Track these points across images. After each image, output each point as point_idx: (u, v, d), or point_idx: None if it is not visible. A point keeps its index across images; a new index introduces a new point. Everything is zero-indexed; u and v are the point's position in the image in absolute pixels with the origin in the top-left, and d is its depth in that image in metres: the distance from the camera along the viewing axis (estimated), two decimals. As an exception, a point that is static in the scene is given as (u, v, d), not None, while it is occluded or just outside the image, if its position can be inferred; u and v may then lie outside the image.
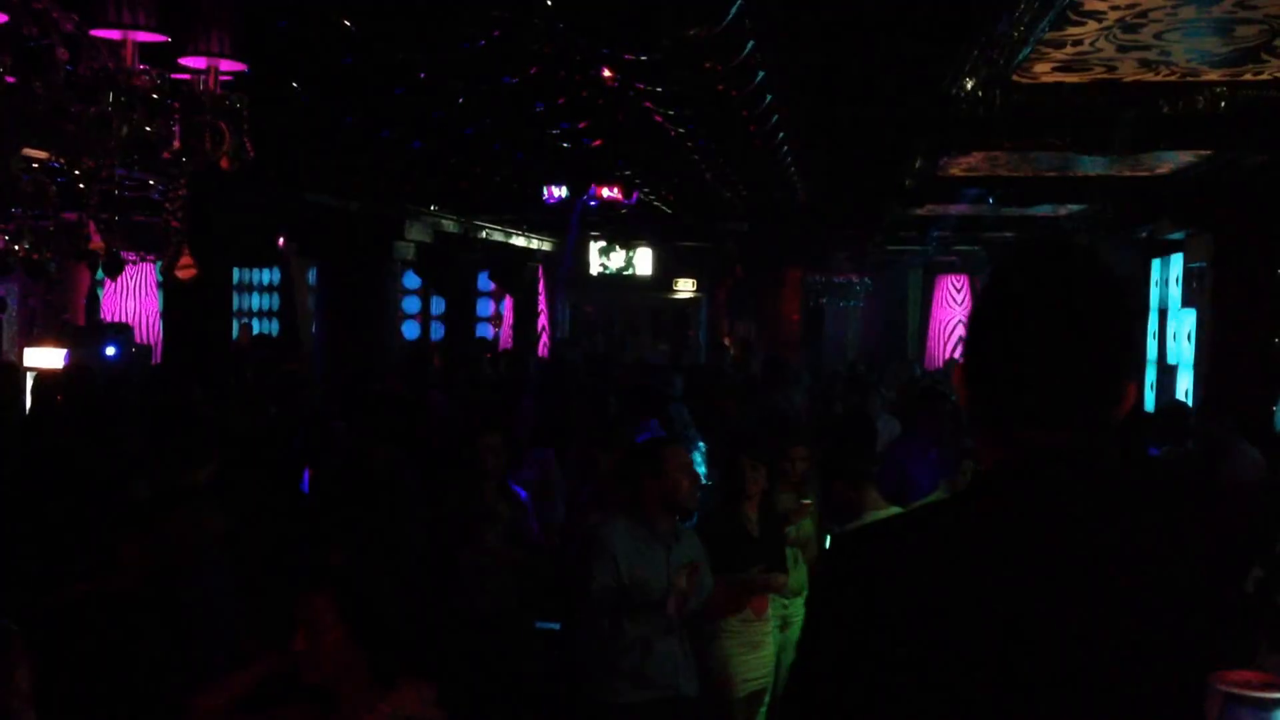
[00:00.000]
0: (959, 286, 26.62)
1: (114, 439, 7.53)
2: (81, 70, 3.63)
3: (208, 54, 3.90)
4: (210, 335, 11.97)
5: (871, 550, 1.89)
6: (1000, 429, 1.89)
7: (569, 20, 6.26)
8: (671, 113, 8.61)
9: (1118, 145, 8.52)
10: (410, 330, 24.51)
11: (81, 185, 3.97)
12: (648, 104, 8.30)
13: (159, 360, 16.70)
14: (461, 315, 22.51)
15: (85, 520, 5.90)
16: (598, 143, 10.48)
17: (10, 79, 3.45)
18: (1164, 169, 10.71)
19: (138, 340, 20.29)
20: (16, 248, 3.84)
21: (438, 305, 24.57)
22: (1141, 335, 15.91)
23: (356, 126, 9.73)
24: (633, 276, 26.35)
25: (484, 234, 20.50)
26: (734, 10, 5.80)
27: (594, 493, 7.60)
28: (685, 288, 26.83)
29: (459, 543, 7.20)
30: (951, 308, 26.69)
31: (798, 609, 6.47)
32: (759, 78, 7.31)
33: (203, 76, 3.93)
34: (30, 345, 16.52)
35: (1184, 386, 13.58)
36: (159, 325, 17.59)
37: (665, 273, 26.34)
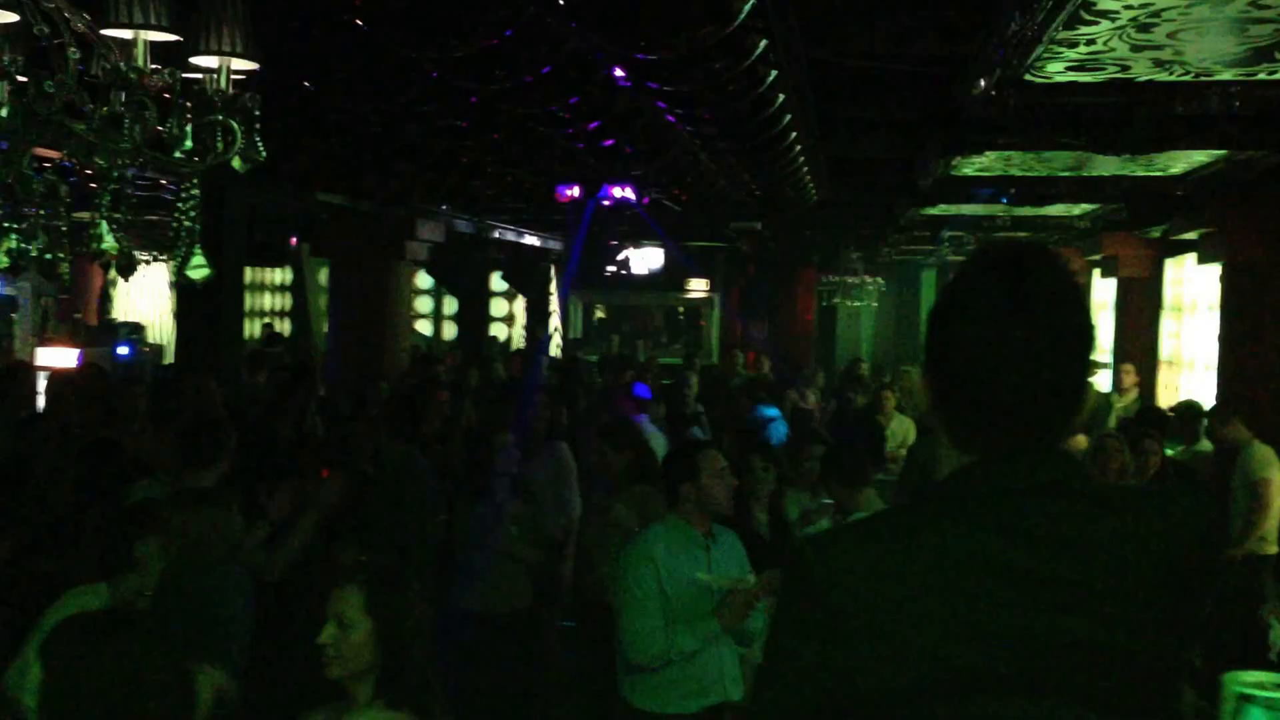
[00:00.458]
0: (972, 286, 26.50)
1: (123, 438, 7.55)
2: (93, 70, 3.63)
3: (219, 53, 3.90)
4: (223, 335, 11.97)
5: (829, 557, 1.84)
6: (965, 434, 1.88)
7: (582, 19, 6.25)
8: (682, 112, 8.60)
9: (1131, 145, 8.50)
10: (423, 330, 24.53)
11: (94, 185, 3.98)
12: (660, 103, 8.29)
13: (171, 360, 16.73)
14: (474, 315, 22.53)
15: (96, 520, 5.92)
16: (609, 142, 10.47)
17: (21, 78, 3.45)
18: (1177, 169, 10.67)
19: (150, 340, 20.35)
20: (30, 248, 3.84)
21: (450, 305, 24.63)
22: (1156, 333, 15.89)
23: (368, 125, 9.73)
24: (644, 276, 26.31)
25: (497, 234, 20.48)
26: (746, 9, 5.79)
27: (607, 490, 7.61)
28: (697, 288, 26.79)
29: (473, 543, 7.22)
30: (964, 308, 26.57)
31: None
32: (771, 77, 7.30)
33: (214, 75, 3.93)
34: (43, 345, 16.59)
35: (1198, 386, 13.56)
36: (172, 325, 17.61)
37: (677, 273, 26.31)
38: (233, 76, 3.97)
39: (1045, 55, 6.29)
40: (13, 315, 17.72)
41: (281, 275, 23.74)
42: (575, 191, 14.47)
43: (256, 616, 5.07)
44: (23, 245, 3.77)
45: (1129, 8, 5.43)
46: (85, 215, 4.16)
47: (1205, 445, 10.22)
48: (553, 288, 24.81)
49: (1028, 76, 6.73)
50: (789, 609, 1.87)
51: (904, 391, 14.24)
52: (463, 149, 10.97)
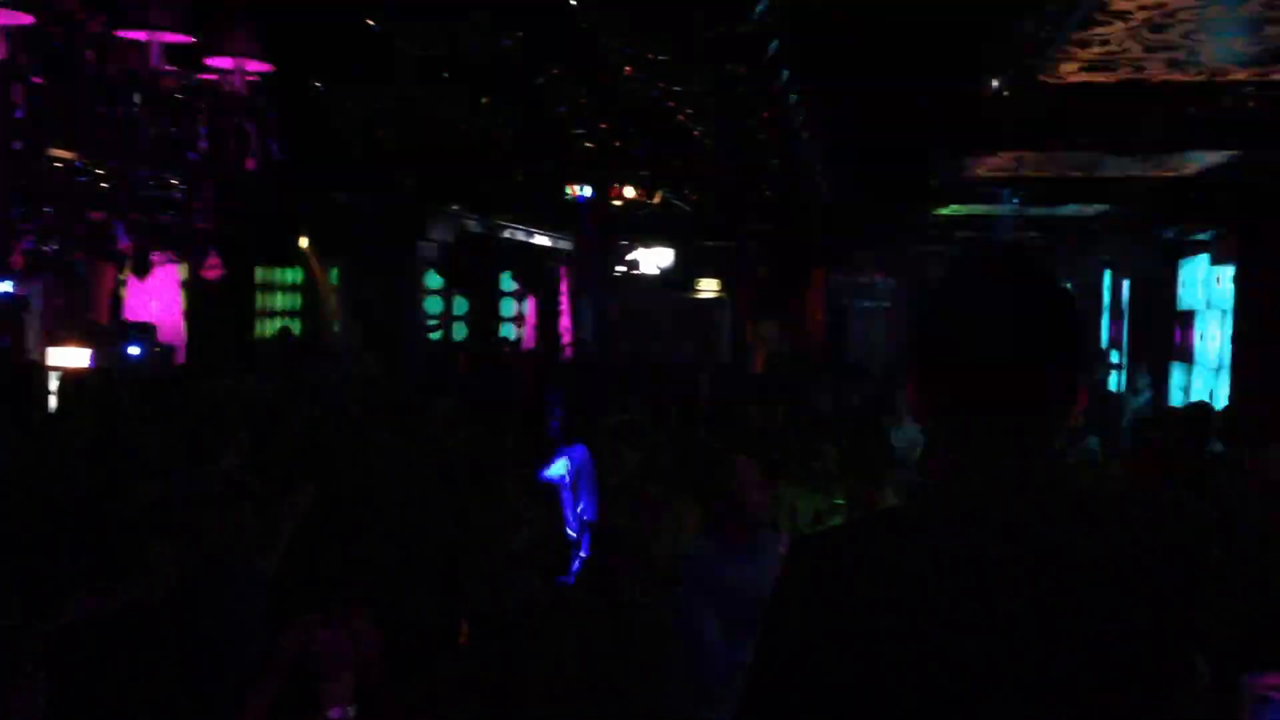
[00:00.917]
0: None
1: (133, 438, 7.55)
2: (108, 71, 3.63)
3: (233, 54, 3.91)
4: (234, 334, 11.99)
5: (820, 559, 1.83)
6: (952, 437, 1.88)
7: (593, 20, 6.25)
8: (693, 112, 8.60)
9: (1144, 145, 8.48)
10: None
11: (107, 185, 3.98)
12: (671, 103, 8.28)
13: (182, 360, 16.75)
14: (484, 315, 22.52)
15: (105, 522, 5.92)
16: (619, 143, 10.47)
17: (37, 80, 3.45)
18: (1191, 169, 10.65)
19: (160, 340, 20.35)
20: (45, 248, 3.85)
21: (460, 306, 24.60)
22: (1170, 333, 15.85)
23: (379, 123, 9.74)
24: (655, 276, 26.27)
25: (506, 233, 20.46)
26: (758, 10, 5.79)
27: (617, 489, 7.62)
28: (708, 288, 26.75)
29: (483, 548, 7.21)
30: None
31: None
32: (783, 77, 7.30)
33: (229, 77, 3.93)
34: (54, 345, 16.59)
35: (1210, 387, 13.52)
36: (183, 325, 17.61)
37: (688, 273, 26.25)
38: (246, 78, 3.97)
39: (1059, 56, 6.29)
40: (24, 315, 17.73)
41: (292, 275, 23.72)
42: (585, 191, 14.50)
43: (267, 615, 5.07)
44: (41, 247, 3.79)
45: (1143, 8, 5.42)
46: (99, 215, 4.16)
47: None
48: (563, 288, 24.79)
49: (1041, 77, 6.72)
50: (783, 607, 1.85)
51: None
52: (474, 148, 10.98)
